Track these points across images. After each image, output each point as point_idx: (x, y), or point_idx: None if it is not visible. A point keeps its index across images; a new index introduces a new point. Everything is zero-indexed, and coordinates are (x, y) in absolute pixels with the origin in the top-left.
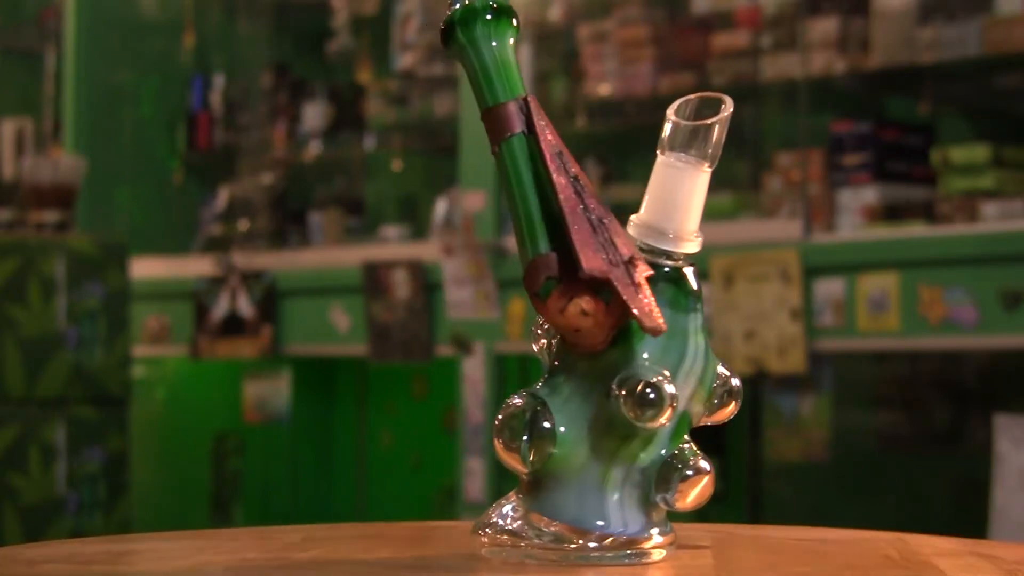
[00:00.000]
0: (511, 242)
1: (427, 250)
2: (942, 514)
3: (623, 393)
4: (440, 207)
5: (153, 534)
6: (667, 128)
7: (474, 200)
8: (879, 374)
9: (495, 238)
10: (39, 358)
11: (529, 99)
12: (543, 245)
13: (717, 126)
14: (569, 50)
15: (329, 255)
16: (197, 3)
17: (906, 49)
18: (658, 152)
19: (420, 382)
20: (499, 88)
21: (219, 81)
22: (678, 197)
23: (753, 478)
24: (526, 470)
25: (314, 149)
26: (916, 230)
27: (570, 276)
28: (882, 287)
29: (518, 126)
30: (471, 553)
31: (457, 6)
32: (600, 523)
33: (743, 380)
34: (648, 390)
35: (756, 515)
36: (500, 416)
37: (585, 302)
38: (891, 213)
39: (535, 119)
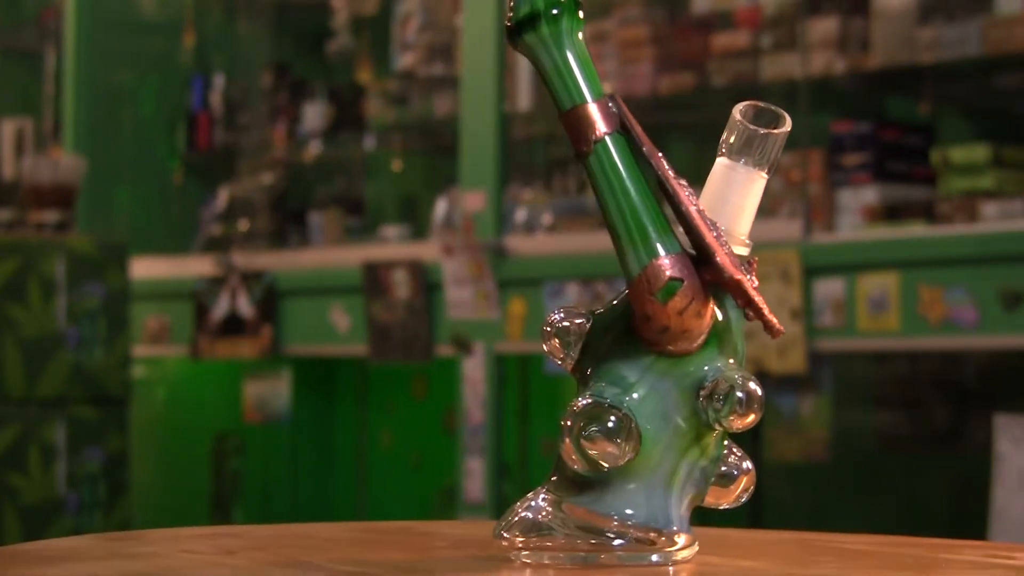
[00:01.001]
0: (511, 242)
1: (427, 250)
2: (942, 514)
3: (718, 395)
4: (440, 207)
5: (160, 530)
6: (730, 130)
7: (474, 200)
8: (879, 374)
9: (495, 238)
10: (39, 358)
11: (616, 96)
12: (661, 247)
13: (775, 138)
14: None
15: (329, 255)
16: (197, 3)
17: (906, 49)
18: (719, 154)
19: (420, 382)
20: (588, 85)
21: (219, 81)
22: (732, 198)
23: None
24: (602, 470)
25: (314, 149)
26: (916, 230)
27: (693, 278)
28: (882, 287)
29: (613, 124)
30: (496, 555)
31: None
32: (665, 521)
33: None
34: (740, 393)
35: (756, 515)
36: (571, 417)
37: (702, 304)
38: (891, 213)
39: (629, 117)
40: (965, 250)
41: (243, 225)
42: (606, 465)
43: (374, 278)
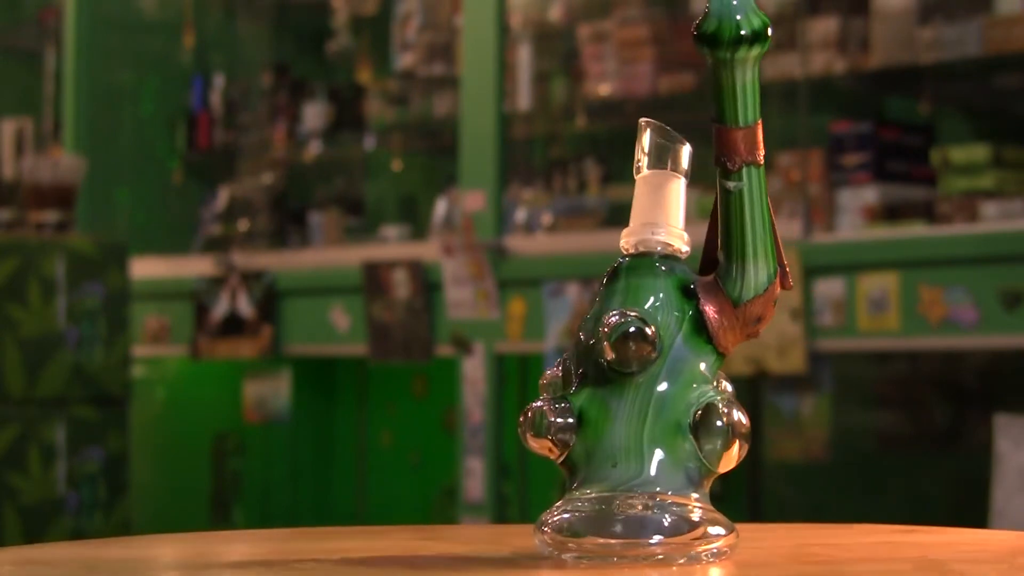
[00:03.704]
0: (511, 242)
1: (427, 250)
2: (942, 514)
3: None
4: (440, 207)
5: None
6: (640, 149)
7: (474, 200)
8: (879, 374)
9: (495, 238)
10: (39, 358)
11: None
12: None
13: (684, 149)
14: (569, 50)
15: (329, 255)
16: (197, 3)
17: (906, 49)
18: (635, 174)
19: (420, 382)
20: (760, 108)
21: (219, 81)
22: (662, 199)
23: (753, 478)
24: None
25: (314, 149)
26: (916, 230)
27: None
28: (882, 287)
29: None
30: (536, 553)
31: (751, 14)
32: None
33: (743, 380)
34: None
35: (756, 515)
36: (701, 420)
37: None
38: (891, 213)
39: None
40: (965, 250)
41: (243, 225)
42: (729, 464)
43: (374, 278)
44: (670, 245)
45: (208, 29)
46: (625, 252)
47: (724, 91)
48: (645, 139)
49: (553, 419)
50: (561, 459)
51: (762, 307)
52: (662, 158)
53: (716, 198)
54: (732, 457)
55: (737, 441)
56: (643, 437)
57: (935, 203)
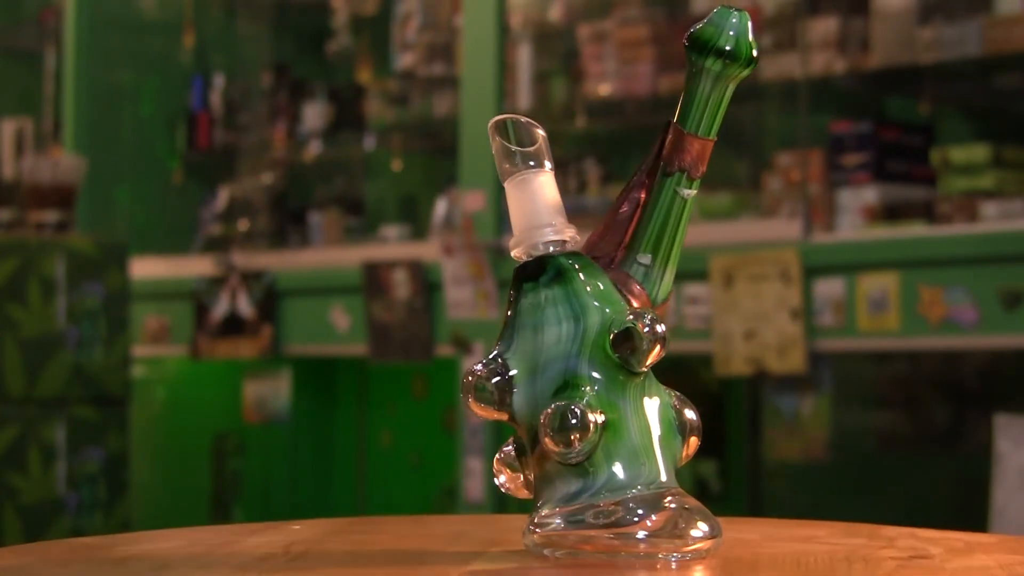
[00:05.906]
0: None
1: (427, 250)
2: (942, 514)
3: None
4: (440, 207)
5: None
6: (499, 156)
7: (474, 200)
8: (879, 374)
9: (495, 238)
10: (39, 358)
11: None
12: None
13: (544, 139)
14: (569, 50)
15: (329, 255)
16: (197, 3)
17: (906, 49)
18: (503, 179)
19: (420, 382)
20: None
21: (219, 81)
22: (540, 199)
23: (753, 478)
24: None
25: (314, 149)
26: (916, 230)
27: None
28: (882, 287)
29: None
30: (527, 552)
31: (752, 38)
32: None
33: (743, 380)
34: None
35: (756, 515)
36: (688, 415)
37: None
38: (891, 213)
39: None
40: (965, 250)
41: (243, 225)
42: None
43: (374, 278)
44: (568, 243)
45: (208, 29)
46: (520, 257)
47: (710, 104)
48: (505, 141)
49: (581, 420)
50: (581, 459)
51: (664, 310)
52: (527, 156)
53: (624, 197)
54: (690, 455)
55: (695, 438)
56: (651, 435)
57: (935, 203)
